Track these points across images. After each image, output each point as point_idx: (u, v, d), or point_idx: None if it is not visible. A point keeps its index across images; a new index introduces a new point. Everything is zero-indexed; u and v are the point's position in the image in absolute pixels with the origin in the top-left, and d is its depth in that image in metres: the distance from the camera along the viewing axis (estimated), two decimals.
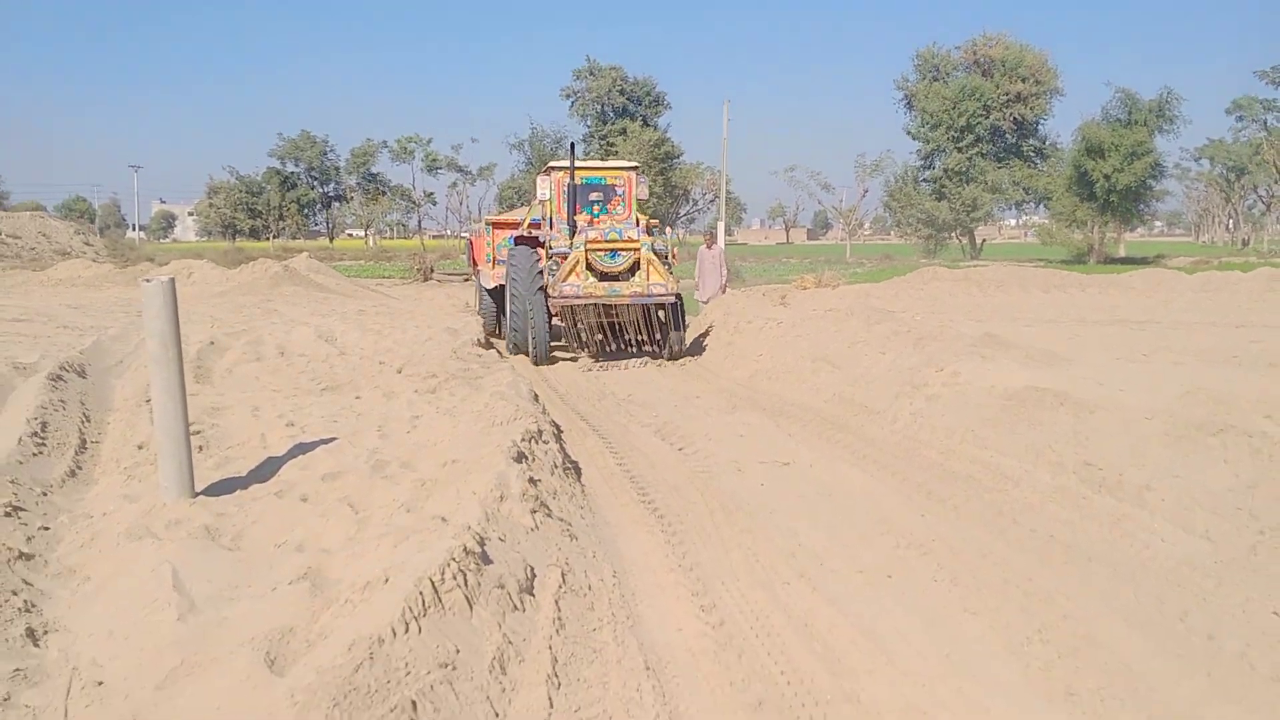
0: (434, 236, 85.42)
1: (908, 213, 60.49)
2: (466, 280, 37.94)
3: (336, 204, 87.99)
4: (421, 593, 4.15)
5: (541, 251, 15.64)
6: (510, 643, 4.22)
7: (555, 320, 15.51)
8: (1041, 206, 58.49)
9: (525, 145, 69.12)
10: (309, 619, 4.28)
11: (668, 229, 15.13)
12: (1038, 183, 55.62)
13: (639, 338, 15.25)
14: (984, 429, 8.17)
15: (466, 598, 4.29)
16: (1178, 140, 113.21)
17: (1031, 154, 59.89)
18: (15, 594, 5.07)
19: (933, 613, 5.09)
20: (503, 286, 17.15)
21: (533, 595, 4.70)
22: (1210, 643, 4.63)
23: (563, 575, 4.97)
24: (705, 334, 16.31)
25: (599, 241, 14.53)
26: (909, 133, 62.78)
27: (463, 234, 26.40)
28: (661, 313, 15.03)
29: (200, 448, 7.28)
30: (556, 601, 4.69)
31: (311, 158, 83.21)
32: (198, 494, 6.24)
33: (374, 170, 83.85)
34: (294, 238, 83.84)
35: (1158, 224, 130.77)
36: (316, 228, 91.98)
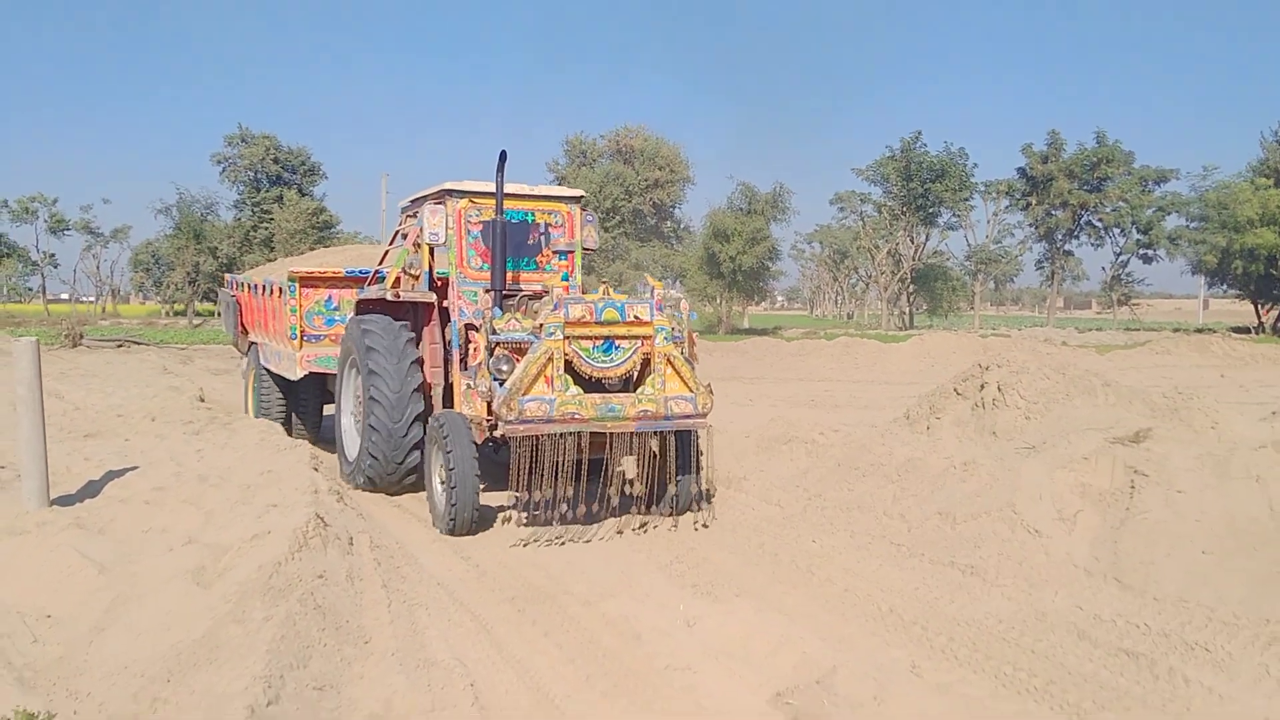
0: (51, 301, 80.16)
1: None
2: (121, 347, 35.66)
3: None
4: (296, 538, 6.43)
5: (430, 330, 10.28)
6: (353, 568, 6.56)
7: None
8: (679, 282, 64.62)
9: (173, 210, 67.80)
10: (213, 561, 6.41)
11: (681, 300, 9.50)
12: (675, 261, 61.62)
13: (631, 488, 9.14)
14: None
15: (322, 543, 6.60)
16: (790, 226, 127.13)
17: (670, 235, 66.15)
18: None
19: (612, 555, 7.89)
20: (320, 376, 12.39)
21: (354, 546, 7.03)
22: (774, 558, 7.70)
23: (370, 537, 7.33)
24: None
25: (587, 323, 8.59)
26: None
27: (230, 290, 15.61)
28: (655, 442, 8.97)
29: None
30: (371, 550, 7.06)
31: None
32: (51, 503, 7.98)
33: None
34: None
35: (779, 298, 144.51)
36: None
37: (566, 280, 10.23)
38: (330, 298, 12.28)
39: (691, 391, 8.68)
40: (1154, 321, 61.95)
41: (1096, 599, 6.10)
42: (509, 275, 9.74)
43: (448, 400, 10.06)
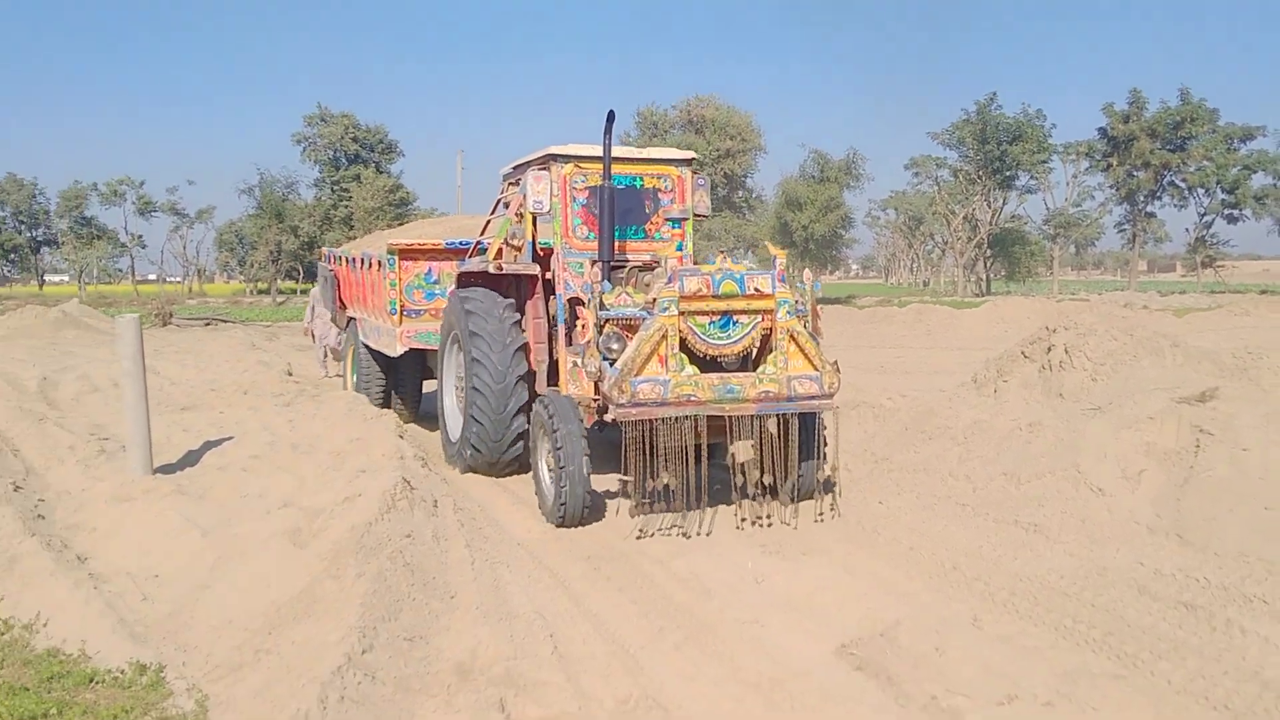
0: (140, 281, 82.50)
1: None
2: (209, 325, 34.43)
3: (46, 248, 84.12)
4: (385, 501, 6.81)
5: (533, 304, 9.76)
6: (438, 529, 6.92)
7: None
8: (750, 252, 64.44)
9: (255, 190, 69.40)
10: (308, 522, 6.81)
11: (806, 271, 8.92)
12: (746, 231, 61.51)
13: (757, 476, 8.09)
14: None
15: (409, 505, 6.98)
16: (864, 193, 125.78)
17: (741, 205, 65.98)
18: (53, 537, 7.22)
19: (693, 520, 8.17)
20: (420, 353, 11.89)
21: (439, 508, 7.40)
22: (841, 518, 7.92)
23: (453, 501, 7.71)
24: None
25: (703, 297, 7.88)
26: None
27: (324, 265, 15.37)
28: (773, 425, 8.19)
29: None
30: (455, 512, 7.42)
31: (18, 201, 79.38)
32: (155, 471, 8.48)
33: (87, 214, 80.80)
34: None
35: (854, 267, 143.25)
36: (15, 275, 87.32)
37: (680, 250, 9.38)
38: (430, 270, 11.83)
39: (816, 370, 8.03)
40: (1240, 283, 60.26)
41: (1158, 555, 6.23)
42: (616, 245, 9.06)
43: (552, 377, 9.58)
